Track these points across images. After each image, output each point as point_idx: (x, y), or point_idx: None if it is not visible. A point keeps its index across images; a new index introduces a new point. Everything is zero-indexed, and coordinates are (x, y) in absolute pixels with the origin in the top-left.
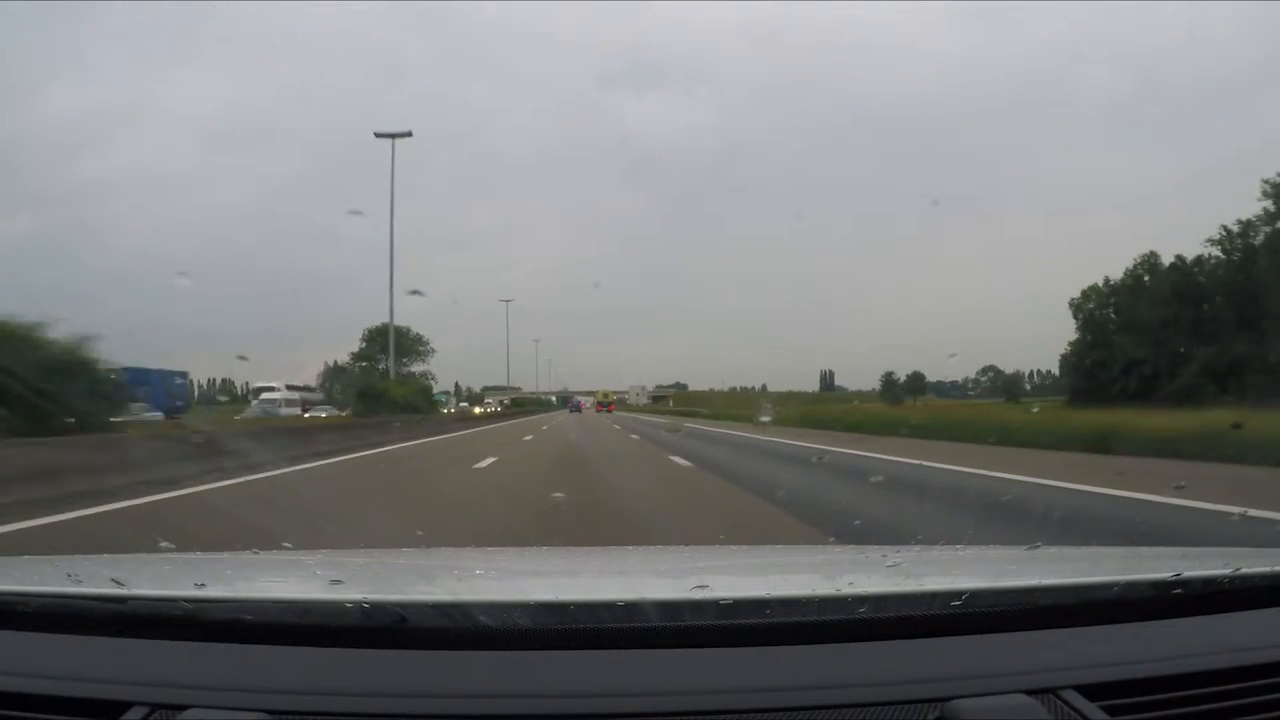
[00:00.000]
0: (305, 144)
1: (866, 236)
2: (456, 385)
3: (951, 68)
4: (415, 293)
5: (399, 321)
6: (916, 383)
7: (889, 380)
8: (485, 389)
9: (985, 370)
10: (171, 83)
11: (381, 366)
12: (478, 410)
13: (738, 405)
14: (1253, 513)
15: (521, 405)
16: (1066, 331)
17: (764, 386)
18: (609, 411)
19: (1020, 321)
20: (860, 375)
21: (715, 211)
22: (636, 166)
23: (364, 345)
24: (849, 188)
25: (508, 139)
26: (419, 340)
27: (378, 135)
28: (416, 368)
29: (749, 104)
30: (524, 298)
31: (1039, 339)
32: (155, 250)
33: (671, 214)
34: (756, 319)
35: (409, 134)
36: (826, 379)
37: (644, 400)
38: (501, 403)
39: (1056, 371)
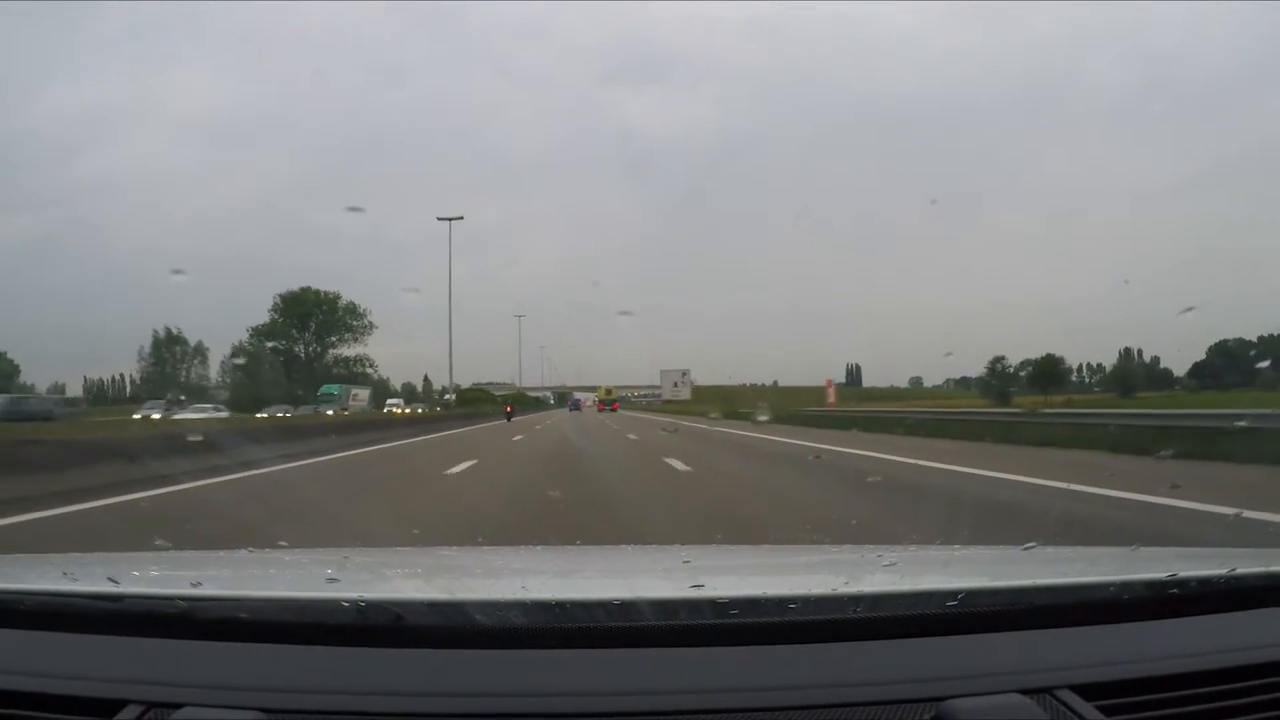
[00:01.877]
0: (305, 143)
1: (878, 233)
2: (426, 379)
3: (954, 64)
4: (412, 290)
5: (327, 286)
6: (1049, 370)
7: (997, 367)
8: (475, 385)
9: (1023, 365)
10: (170, 82)
11: (300, 349)
12: (401, 411)
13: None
14: None
15: (473, 405)
16: (1097, 326)
17: (775, 383)
18: (612, 410)
19: (1039, 318)
20: (880, 372)
21: (719, 207)
22: (639, 163)
23: (276, 318)
24: (858, 183)
25: (508, 136)
26: (352, 312)
27: None
28: (348, 350)
29: (753, 100)
30: (525, 297)
31: (1074, 331)
32: (154, 248)
33: (675, 210)
34: (765, 315)
35: None
36: (852, 374)
37: (685, 394)
38: (445, 400)
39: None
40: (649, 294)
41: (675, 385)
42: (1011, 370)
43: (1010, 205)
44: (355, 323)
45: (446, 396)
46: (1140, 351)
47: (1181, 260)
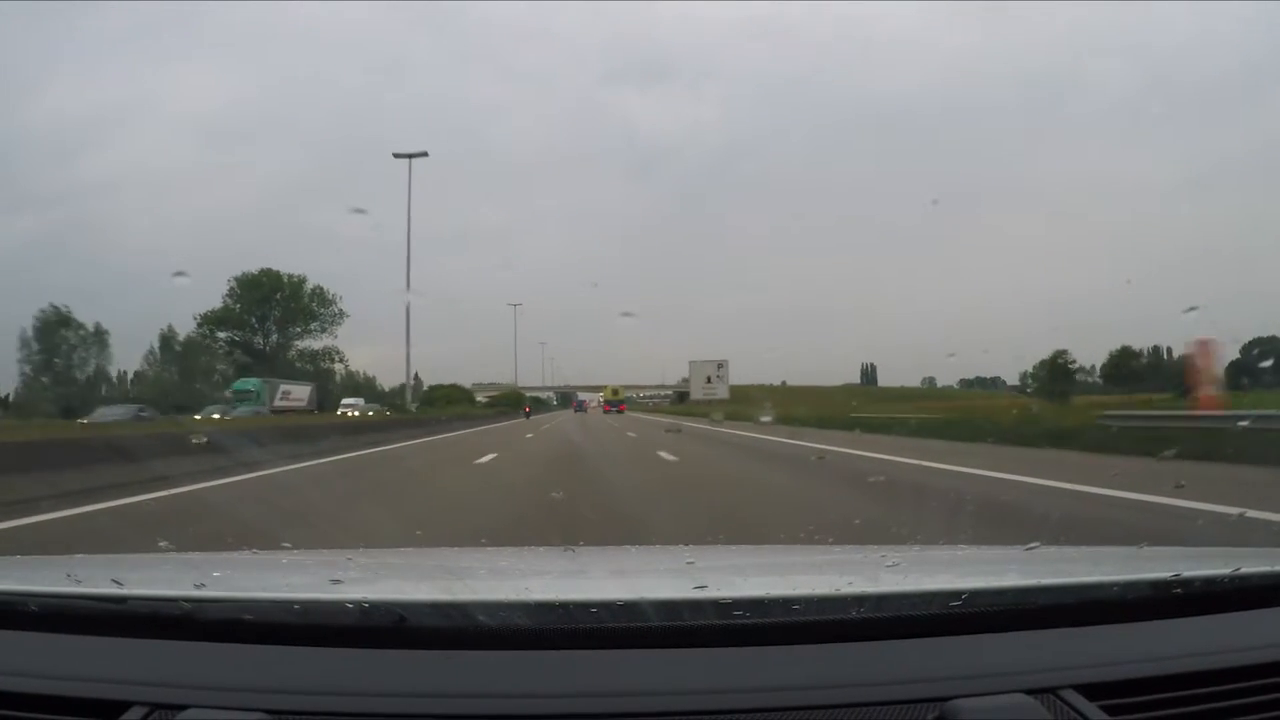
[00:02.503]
0: (305, 143)
1: (880, 233)
2: (417, 376)
3: (955, 64)
4: (412, 293)
5: (328, 288)
6: (1124, 365)
7: (1059, 361)
8: (475, 385)
9: (1042, 365)
10: (169, 81)
11: (258, 340)
12: (353, 414)
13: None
14: None
15: (446, 406)
16: (1100, 325)
17: (783, 383)
18: (619, 412)
19: (1041, 317)
20: (887, 373)
21: (723, 207)
22: (643, 163)
23: (232, 303)
24: (860, 184)
25: (510, 136)
26: (320, 298)
27: None
28: (315, 342)
29: (755, 100)
30: (528, 298)
31: (1077, 330)
32: (154, 248)
33: (678, 210)
34: (770, 316)
35: None
36: (867, 373)
37: (722, 393)
38: (397, 404)
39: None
40: (653, 295)
41: (708, 381)
42: (1073, 366)
43: (1012, 205)
44: (323, 311)
45: (415, 391)
46: (1170, 350)
47: (1184, 259)
